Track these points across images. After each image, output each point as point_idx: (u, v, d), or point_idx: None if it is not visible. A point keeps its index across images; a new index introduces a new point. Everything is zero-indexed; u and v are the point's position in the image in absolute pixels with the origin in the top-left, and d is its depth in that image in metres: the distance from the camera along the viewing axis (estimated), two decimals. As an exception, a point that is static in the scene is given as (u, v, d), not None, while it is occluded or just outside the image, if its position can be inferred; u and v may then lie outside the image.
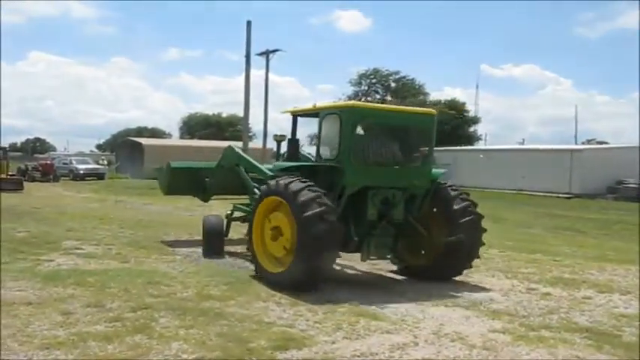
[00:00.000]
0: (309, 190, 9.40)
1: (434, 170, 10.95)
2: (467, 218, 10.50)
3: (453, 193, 10.80)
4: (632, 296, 10.12)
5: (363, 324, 7.63)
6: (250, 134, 65.51)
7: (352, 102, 12.36)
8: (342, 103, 12.97)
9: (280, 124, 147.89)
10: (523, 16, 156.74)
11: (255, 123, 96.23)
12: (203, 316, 7.62)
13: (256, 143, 61.10)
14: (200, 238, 13.52)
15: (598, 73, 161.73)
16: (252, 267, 10.86)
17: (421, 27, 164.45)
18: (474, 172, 46.79)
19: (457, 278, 10.95)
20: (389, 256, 10.91)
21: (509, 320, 8.16)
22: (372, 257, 10.62)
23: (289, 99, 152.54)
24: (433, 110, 11.39)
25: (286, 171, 10.45)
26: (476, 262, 11.64)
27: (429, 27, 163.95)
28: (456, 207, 10.59)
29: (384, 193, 10.39)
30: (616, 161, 51.38)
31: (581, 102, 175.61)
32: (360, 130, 10.96)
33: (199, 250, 13.13)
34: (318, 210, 9.12)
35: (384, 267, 11.89)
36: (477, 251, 10.80)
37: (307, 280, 9.36)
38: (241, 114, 52.48)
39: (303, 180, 9.68)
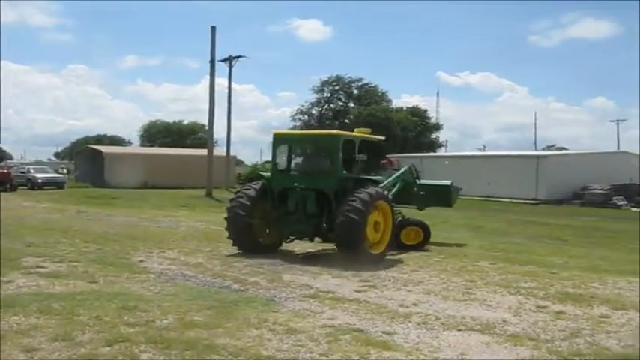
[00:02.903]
0: (241, 192, 14.96)
1: (344, 174, 14.34)
2: (347, 208, 13.24)
3: (355, 193, 13.53)
4: (649, 313, 9.36)
5: (375, 356, 6.69)
6: (213, 141, 64.18)
7: (276, 131, 15.86)
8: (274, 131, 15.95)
9: (241, 132, 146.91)
10: (478, 24, 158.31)
11: (218, 131, 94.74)
12: (191, 350, 6.63)
13: (219, 150, 59.78)
14: (173, 254, 12.60)
15: (553, 80, 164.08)
16: (235, 286, 10.37)
17: (379, 35, 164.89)
18: (439, 179, 46.24)
19: (459, 294, 10.28)
20: (306, 238, 14.96)
21: (534, 346, 7.30)
22: (290, 237, 15.02)
23: (250, 107, 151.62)
24: (338, 132, 15.38)
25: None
26: (472, 276, 12.17)
27: (387, 35, 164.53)
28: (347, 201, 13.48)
29: (299, 193, 14.36)
30: (579, 167, 51.49)
31: (537, 109, 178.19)
32: (285, 150, 15.21)
33: (173, 267, 12.16)
34: (231, 205, 14.54)
35: (376, 283, 11.07)
36: (354, 235, 13.23)
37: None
38: (202, 121, 51.45)
39: (249, 187, 15.16)
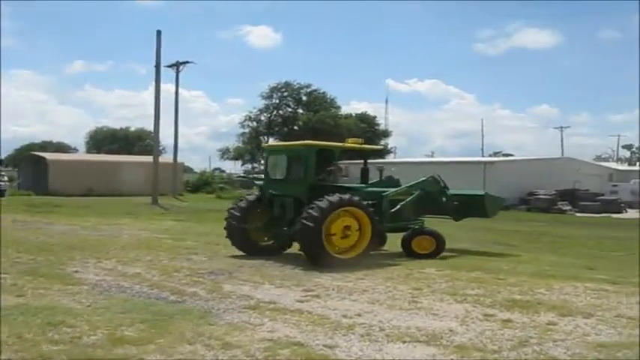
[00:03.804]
0: (239, 199, 16.99)
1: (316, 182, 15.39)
2: (305, 216, 13.99)
3: (317, 200, 14.14)
4: (596, 320, 9.18)
5: (315, 371, 6.32)
6: (160, 148, 63.26)
7: (266, 144, 19.18)
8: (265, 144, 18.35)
9: (190, 138, 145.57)
10: (426, 32, 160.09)
11: (165, 137, 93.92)
12: (116, 369, 6.17)
13: (166, 157, 58.97)
14: (111, 264, 12.09)
15: (499, 88, 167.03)
16: (172, 297, 9.92)
17: (329, 42, 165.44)
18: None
19: (405, 304, 10.00)
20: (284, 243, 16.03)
21: (482, 357, 7.02)
22: (273, 242, 16.14)
23: (199, 113, 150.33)
24: (311, 143, 16.26)
25: None
26: (419, 283, 12.01)
27: (336, 42, 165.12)
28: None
29: (280, 200, 15.69)
30: (525, 173, 52.14)
31: (484, 116, 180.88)
32: (272, 160, 17.04)
33: (109, 278, 11.63)
34: (229, 210, 16.23)
35: (320, 292, 10.74)
36: (311, 241, 13.97)
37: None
38: (150, 128, 50.55)
39: (248, 194, 17.34)
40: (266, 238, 16.26)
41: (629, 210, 50.83)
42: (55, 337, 7.33)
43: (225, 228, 16.27)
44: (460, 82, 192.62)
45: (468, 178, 48.60)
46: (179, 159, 57.67)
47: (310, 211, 13.97)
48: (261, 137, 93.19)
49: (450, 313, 9.43)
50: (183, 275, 12.36)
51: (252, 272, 12.94)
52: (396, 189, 16.93)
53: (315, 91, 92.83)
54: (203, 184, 66.16)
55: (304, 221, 13.90)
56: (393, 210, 16.38)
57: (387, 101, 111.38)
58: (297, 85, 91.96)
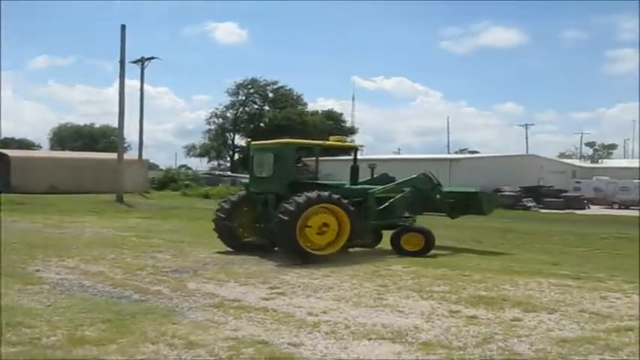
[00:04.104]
0: (226, 197, 17.46)
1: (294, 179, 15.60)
2: (281, 210, 14.31)
3: (293, 197, 14.42)
4: (560, 315, 9.24)
5: (280, 370, 6.25)
6: (125, 145, 62.68)
7: (253, 142, 17.71)
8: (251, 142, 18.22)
9: (156, 135, 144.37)
10: (392, 29, 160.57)
11: (130, 134, 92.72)
12: (75, 370, 6.03)
13: (131, 154, 58.42)
14: (73, 263, 11.89)
15: (465, 86, 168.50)
16: (135, 296, 9.80)
17: (295, 39, 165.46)
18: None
19: (371, 301, 9.97)
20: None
21: (447, 354, 7.00)
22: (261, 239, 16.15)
23: (164, 110, 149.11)
24: (290, 141, 16.81)
25: None
26: (385, 280, 11.99)
27: (303, 39, 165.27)
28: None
29: (264, 197, 15.84)
30: (490, 170, 52.57)
31: (450, 113, 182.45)
32: (256, 158, 16.86)
33: (71, 276, 11.44)
34: (216, 209, 16.62)
35: (285, 290, 10.66)
36: (286, 237, 14.24)
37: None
38: (115, 124, 49.99)
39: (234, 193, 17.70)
40: (247, 235, 16.47)
41: (591, 206, 51.57)
42: (12, 338, 7.16)
43: (214, 224, 16.49)
44: (426, 80, 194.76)
45: (434, 174, 48.89)
46: (145, 156, 57.19)
47: (286, 205, 14.26)
48: (227, 134, 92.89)
49: (416, 310, 9.41)
50: (146, 273, 12.22)
51: (216, 270, 12.83)
52: (383, 186, 17.00)
53: (282, 87, 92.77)
54: (169, 181, 65.64)
55: (280, 216, 14.19)
56: (381, 207, 16.46)
57: (353, 98, 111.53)
58: (264, 82, 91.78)
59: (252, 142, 17.28)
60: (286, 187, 15.25)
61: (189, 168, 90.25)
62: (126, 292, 10.28)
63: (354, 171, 17.24)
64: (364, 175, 17.86)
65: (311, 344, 7.31)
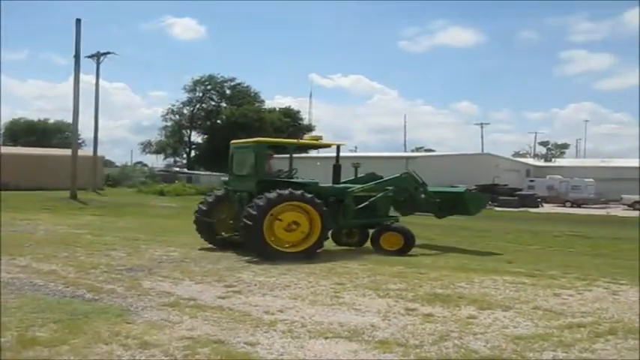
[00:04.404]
0: (206, 195, 17.72)
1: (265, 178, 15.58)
2: (248, 206, 14.71)
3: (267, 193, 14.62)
4: (514, 312, 9.32)
5: (235, 370, 6.18)
6: (80, 141, 61.75)
7: (233, 140, 17.45)
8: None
9: (112, 131, 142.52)
10: (350, 28, 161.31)
11: (85, 130, 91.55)
12: (26, 372, 5.88)
13: (86, 150, 57.63)
14: (24, 261, 11.87)
15: (422, 84, 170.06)
16: (88, 295, 9.61)
17: (253, 36, 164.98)
18: (309, 179, 46.26)
19: (327, 299, 9.95)
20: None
21: (404, 352, 7.00)
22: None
23: (120, 106, 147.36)
24: (261, 140, 16.57)
25: None
26: (341, 278, 11.92)
27: (261, 36, 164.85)
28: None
29: (239, 195, 16.10)
30: (446, 168, 53.11)
31: (407, 112, 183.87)
32: (235, 156, 16.86)
33: (22, 275, 11.19)
34: (198, 206, 17.15)
35: (241, 288, 10.57)
36: (251, 235, 14.44)
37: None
38: (69, 120, 49.22)
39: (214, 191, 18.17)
40: (225, 231, 16.66)
41: (545, 205, 52.42)
42: (-40, 339, 6.96)
43: (194, 222, 17.03)
44: (384, 78, 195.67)
45: (390, 173, 49.12)
46: (100, 152, 56.54)
47: (256, 201, 14.57)
48: (184, 131, 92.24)
49: (372, 308, 9.41)
50: (100, 272, 12.01)
51: (172, 268, 12.69)
52: (361, 185, 17.07)
53: (239, 85, 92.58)
54: (124, 178, 64.97)
55: (249, 210, 14.51)
56: (360, 206, 16.49)
57: (310, 96, 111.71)
58: (221, 79, 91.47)
59: (232, 141, 17.27)
60: (256, 185, 15.31)
61: (145, 165, 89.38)
62: (79, 291, 10.07)
63: (337, 170, 17.38)
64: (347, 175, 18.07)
65: (268, 343, 7.25)
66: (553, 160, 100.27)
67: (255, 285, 11.03)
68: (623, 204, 53.95)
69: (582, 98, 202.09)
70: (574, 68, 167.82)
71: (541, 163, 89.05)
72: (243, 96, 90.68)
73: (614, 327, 8.38)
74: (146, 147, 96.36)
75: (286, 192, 14.67)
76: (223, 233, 16.54)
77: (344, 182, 17.33)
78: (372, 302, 9.84)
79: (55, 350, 6.67)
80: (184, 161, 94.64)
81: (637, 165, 63.11)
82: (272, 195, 14.53)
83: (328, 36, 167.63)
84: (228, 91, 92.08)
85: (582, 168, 71.84)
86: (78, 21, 42.91)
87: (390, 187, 17.40)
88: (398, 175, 18.03)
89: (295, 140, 17.30)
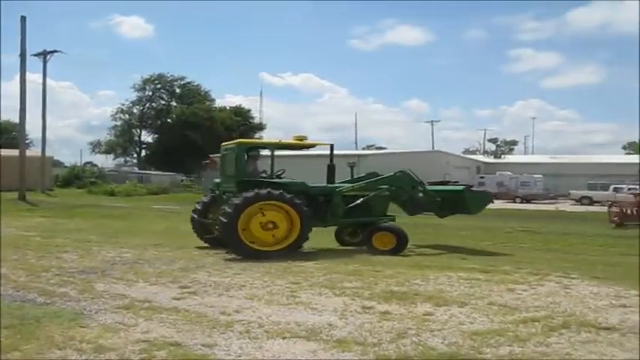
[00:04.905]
0: (203, 196, 19.43)
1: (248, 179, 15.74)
2: (221, 212, 15.21)
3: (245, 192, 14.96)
4: (470, 308, 9.40)
5: (192, 373, 6.10)
6: (27, 141, 60.58)
7: (224, 143, 17.64)
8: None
9: (60, 131, 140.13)
10: (299, 26, 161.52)
11: (33, 130, 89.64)
12: (-24, 380, 5.72)
13: (34, 151, 56.55)
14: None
15: (372, 83, 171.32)
16: (40, 299, 9.42)
17: (203, 35, 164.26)
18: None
19: (284, 298, 9.90)
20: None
21: (362, 351, 6.99)
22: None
23: (68, 105, 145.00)
24: (242, 141, 17.60)
25: None
26: (297, 277, 11.96)
27: (210, 35, 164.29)
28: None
29: (227, 195, 16.15)
30: (397, 166, 53.23)
31: (357, 110, 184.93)
32: (224, 158, 17.19)
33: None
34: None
35: (197, 289, 10.47)
36: (227, 234, 14.79)
37: None
38: (16, 120, 48.29)
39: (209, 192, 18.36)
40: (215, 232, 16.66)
41: (495, 201, 53.06)
42: None
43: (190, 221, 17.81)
44: (334, 77, 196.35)
45: (340, 171, 49.26)
46: (48, 153, 55.57)
47: (233, 199, 15.02)
48: (134, 130, 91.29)
49: (329, 306, 9.39)
50: (52, 275, 11.77)
51: (125, 270, 12.50)
52: (352, 185, 17.18)
53: (189, 83, 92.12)
54: (74, 178, 64.03)
55: (225, 209, 14.95)
56: (351, 206, 16.52)
57: (261, 94, 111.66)
58: (171, 78, 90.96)
59: (223, 143, 17.61)
60: (237, 185, 15.62)
61: (95, 165, 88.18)
62: (30, 294, 9.85)
63: (331, 169, 17.47)
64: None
65: (225, 344, 7.18)
66: (502, 156, 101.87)
67: (211, 285, 10.93)
68: (571, 199, 55.07)
69: (529, 95, 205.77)
70: (521, 66, 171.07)
71: (491, 159, 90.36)
72: (193, 95, 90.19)
73: (567, 321, 8.50)
74: (95, 147, 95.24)
75: (264, 191, 14.89)
76: (216, 233, 16.31)
77: (342, 182, 17.49)
78: (329, 301, 9.82)
79: (6, 357, 6.50)
80: (135, 161, 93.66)
81: (583, 161, 64.69)
82: (249, 194, 14.82)
83: (278, 35, 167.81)
84: (178, 90, 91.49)
85: (531, 164, 73.16)
86: (23, 19, 42.18)
87: (385, 186, 17.33)
88: (392, 173, 17.95)
89: (277, 141, 17.41)
